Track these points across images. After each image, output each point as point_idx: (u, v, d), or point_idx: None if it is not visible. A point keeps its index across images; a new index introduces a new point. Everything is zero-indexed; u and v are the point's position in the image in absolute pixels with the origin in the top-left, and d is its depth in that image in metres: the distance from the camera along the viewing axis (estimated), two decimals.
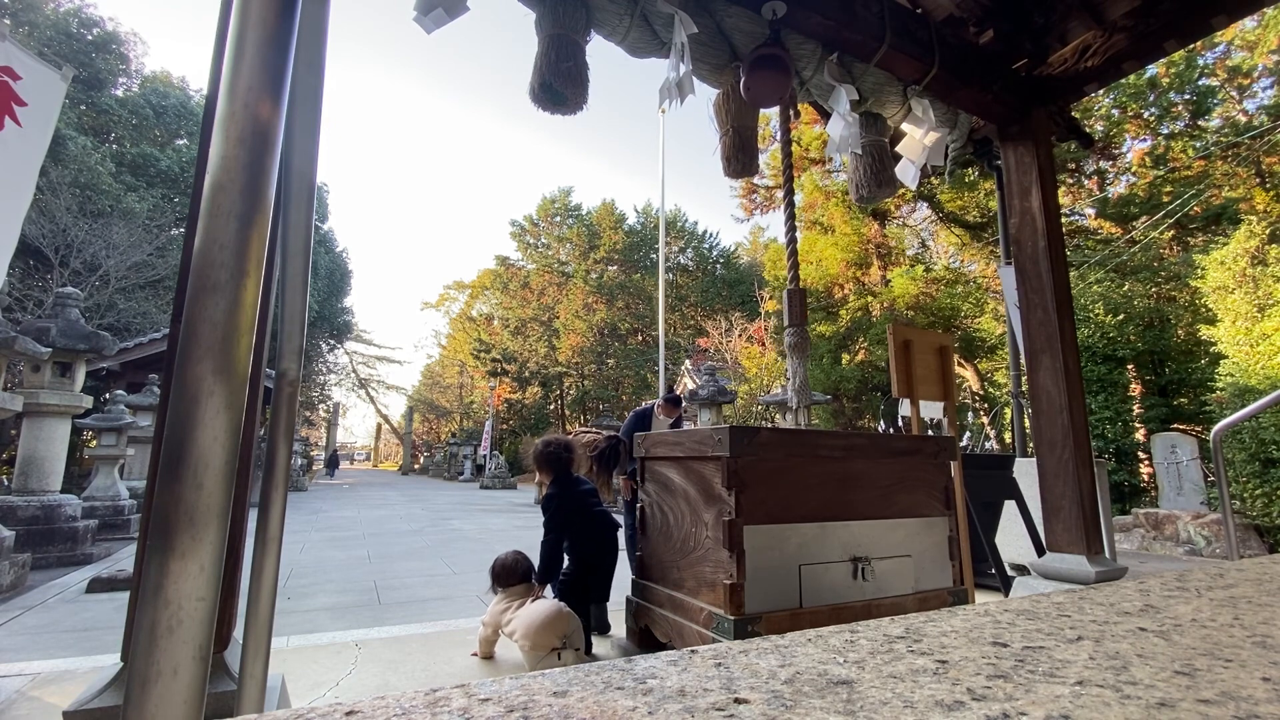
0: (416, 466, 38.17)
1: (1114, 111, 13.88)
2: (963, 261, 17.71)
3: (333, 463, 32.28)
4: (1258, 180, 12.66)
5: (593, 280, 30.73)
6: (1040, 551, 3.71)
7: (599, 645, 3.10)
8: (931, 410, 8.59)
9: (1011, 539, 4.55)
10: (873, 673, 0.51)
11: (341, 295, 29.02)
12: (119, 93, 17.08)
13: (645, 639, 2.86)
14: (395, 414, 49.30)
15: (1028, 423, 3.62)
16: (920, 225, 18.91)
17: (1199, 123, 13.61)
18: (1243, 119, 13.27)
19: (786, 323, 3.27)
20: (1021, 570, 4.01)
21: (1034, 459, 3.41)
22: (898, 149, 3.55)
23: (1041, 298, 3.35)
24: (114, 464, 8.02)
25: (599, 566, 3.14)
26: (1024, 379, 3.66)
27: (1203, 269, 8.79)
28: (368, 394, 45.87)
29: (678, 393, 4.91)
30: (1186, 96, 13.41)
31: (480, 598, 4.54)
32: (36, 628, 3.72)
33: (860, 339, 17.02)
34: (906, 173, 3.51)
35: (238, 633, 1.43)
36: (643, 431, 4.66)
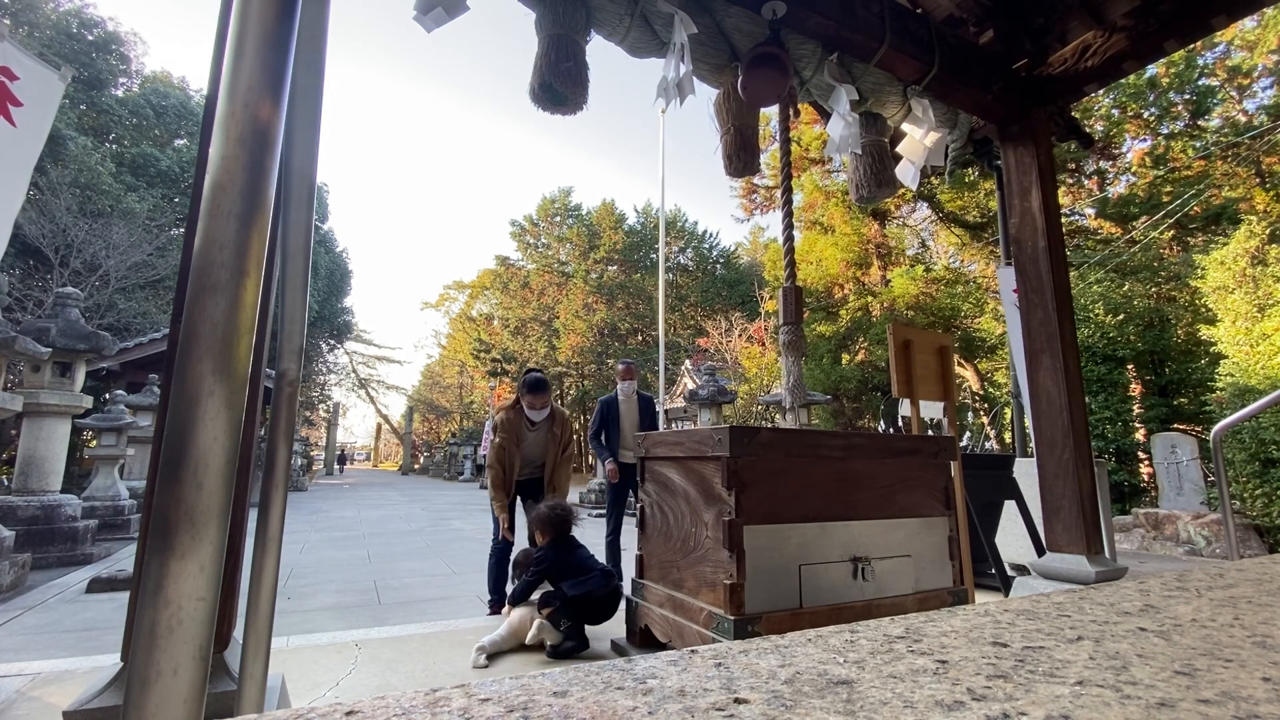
0: (416, 466, 38.16)
1: (1114, 111, 13.88)
2: (963, 261, 17.71)
3: (341, 460, 38.12)
4: (1258, 180, 12.65)
5: (593, 280, 30.73)
6: (1040, 551, 3.71)
7: (597, 645, 3.09)
8: (931, 410, 8.59)
9: (1011, 539, 4.55)
10: (873, 673, 0.51)
11: (341, 295, 29.00)
12: (119, 93, 17.08)
13: (645, 639, 2.86)
14: (395, 414, 49.30)
15: (1028, 423, 3.62)
16: (920, 225, 18.91)
17: (1199, 123, 13.61)
18: (1243, 119, 13.27)
19: (781, 320, 3.26)
20: (1021, 570, 4.01)
21: (1034, 459, 3.40)
22: (898, 149, 3.55)
23: (1041, 298, 3.34)
24: (114, 464, 8.02)
25: (598, 615, 3.15)
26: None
27: (1203, 269, 8.79)
28: (368, 394, 45.87)
29: (630, 362, 4.89)
30: (1186, 96, 13.40)
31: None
32: (36, 628, 3.72)
33: (860, 339, 17.02)
34: (906, 173, 3.50)
35: (238, 633, 1.43)
36: (608, 414, 4.69)
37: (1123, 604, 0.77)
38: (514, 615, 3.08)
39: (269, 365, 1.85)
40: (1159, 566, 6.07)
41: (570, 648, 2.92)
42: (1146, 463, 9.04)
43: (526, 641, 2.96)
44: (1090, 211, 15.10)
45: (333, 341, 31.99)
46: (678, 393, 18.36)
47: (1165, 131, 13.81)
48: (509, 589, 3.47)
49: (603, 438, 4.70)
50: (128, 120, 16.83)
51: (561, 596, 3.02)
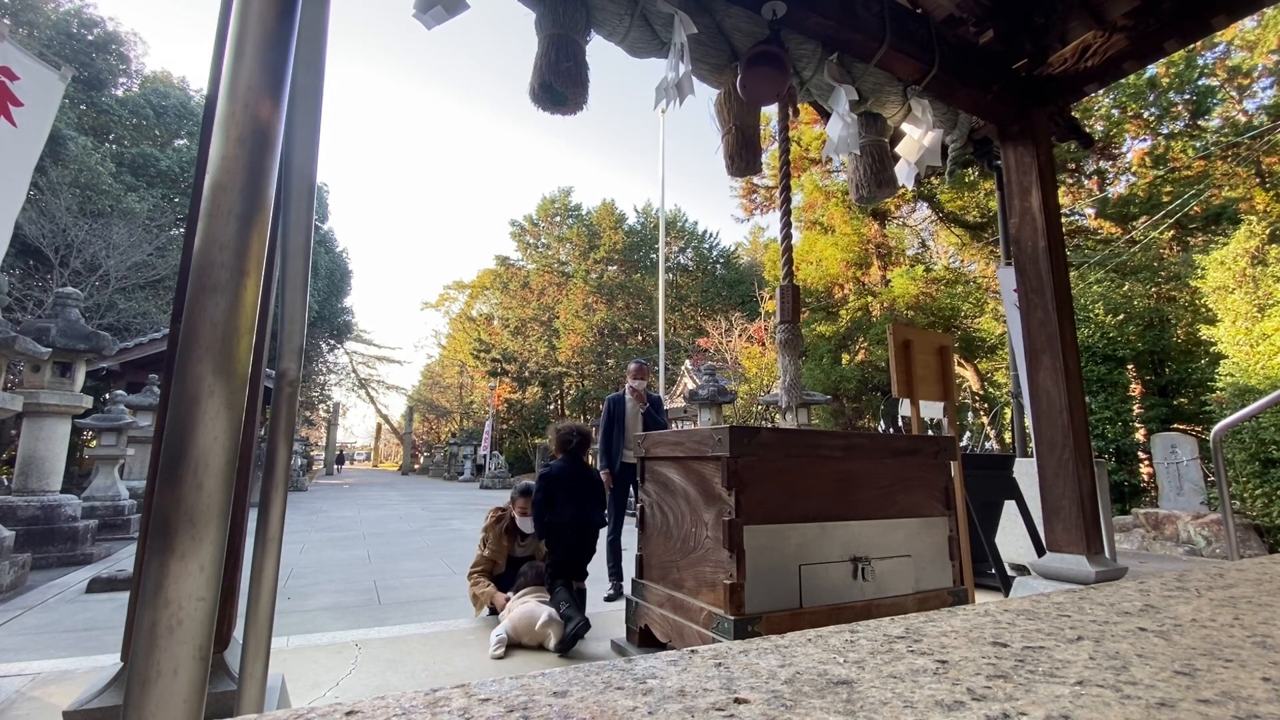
0: (416, 466, 38.16)
1: (1114, 111, 13.87)
2: (963, 261, 17.70)
3: (339, 460, 38.52)
4: (1258, 180, 12.65)
5: (593, 280, 30.71)
6: (1040, 551, 3.71)
7: (597, 645, 3.10)
8: (931, 410, 8.59)
9: (1011, 539, 4.55)
10: (873, 673, 0.51)
11: (341, 295, 29.00)
12: (119, 93, 17.07)
13: (645, 639, 2.86)
14: (395, 414, 49.24)
15: (1028, 423, 3.62)
16: (920, 225, 18.90)
17: (1199, 123, 13.60)
18: (1243, 119, 13.26)
19: (778, 319, 3.25)
20: (1021, 570, 4.01)
21: (1034, 459, 3.40)
22: (896, 149, 3.55)
23: (1041, 298, 3.35)
24: (114, 464, 8.02)
25: (577, 547, 3.28)
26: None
27: (1203, 269, 8.79)
28: (368, 394, 45.83)
29: (643, 362, 4.88)
30: (1186, 96, 13.39)
31: None
32: (36, 628, 3.72)
33: (860, 339, 17.01)
34: (902, 172, 3.51)
35: (238, 633, 1.43)
36: (615, 413, 4.67)
37: (1123, 604, 0.77)
38: (515, 613, 3.10)
39: (269, 365, 1.85)
40: (1159, 566, 6.07)
41: (577, 626, 2.93)
42: (1146, 463, 9.04)
43: (532, 631, 3.00)
44: (1090, 211, 15.10)
45: (333, 341, 31.99)
46: (678, 393, 18.36)
47: (1165, 131, 13.80)
48: (510, 595, 3.46)
49: (611, 439, 4.67)
50: (128, 120, 16.83)
51: (560, 570, 3.11)
